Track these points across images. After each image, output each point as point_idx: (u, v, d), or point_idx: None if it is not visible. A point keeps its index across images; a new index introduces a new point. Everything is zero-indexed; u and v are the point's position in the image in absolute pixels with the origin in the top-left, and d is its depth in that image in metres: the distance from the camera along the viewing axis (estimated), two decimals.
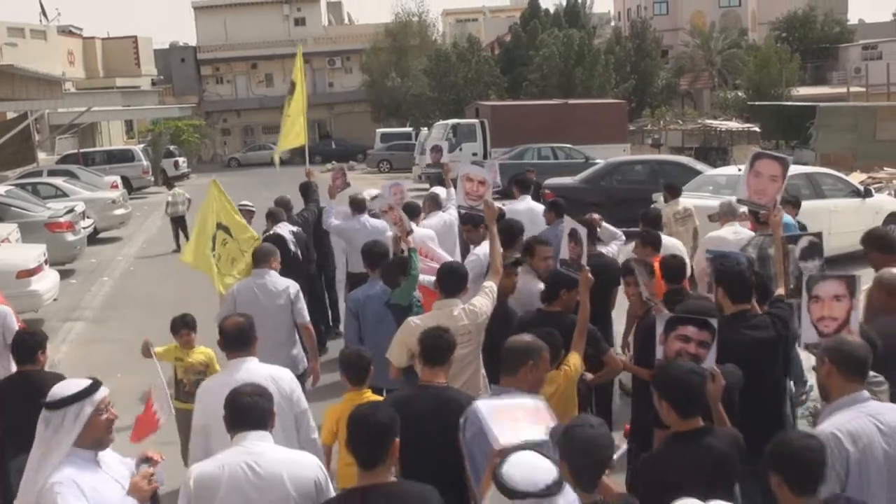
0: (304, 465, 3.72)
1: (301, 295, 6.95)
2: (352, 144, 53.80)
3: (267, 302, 6.78)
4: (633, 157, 25.44)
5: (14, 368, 6.11)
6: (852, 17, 63.63)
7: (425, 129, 38.48)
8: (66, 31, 46.58)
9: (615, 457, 3.60)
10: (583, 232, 5.77)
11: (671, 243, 8.05)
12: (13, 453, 5.42)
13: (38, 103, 28.91)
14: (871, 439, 3.77)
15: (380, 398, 5.21)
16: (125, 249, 20.82)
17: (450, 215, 9.44)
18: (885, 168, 23.97)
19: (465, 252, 8.50)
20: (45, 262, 13.22)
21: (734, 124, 37.64)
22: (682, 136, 38.02)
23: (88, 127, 39.52)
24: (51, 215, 16.73)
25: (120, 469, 3.73)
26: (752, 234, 7.98)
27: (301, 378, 6.65)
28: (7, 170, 26.52)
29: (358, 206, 9.36)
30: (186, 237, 19.70)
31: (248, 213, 9.53)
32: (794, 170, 15.07)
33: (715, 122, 38.57)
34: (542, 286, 6.13)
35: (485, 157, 29.77)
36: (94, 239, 19.99)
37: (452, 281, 5.59)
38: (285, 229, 9.20)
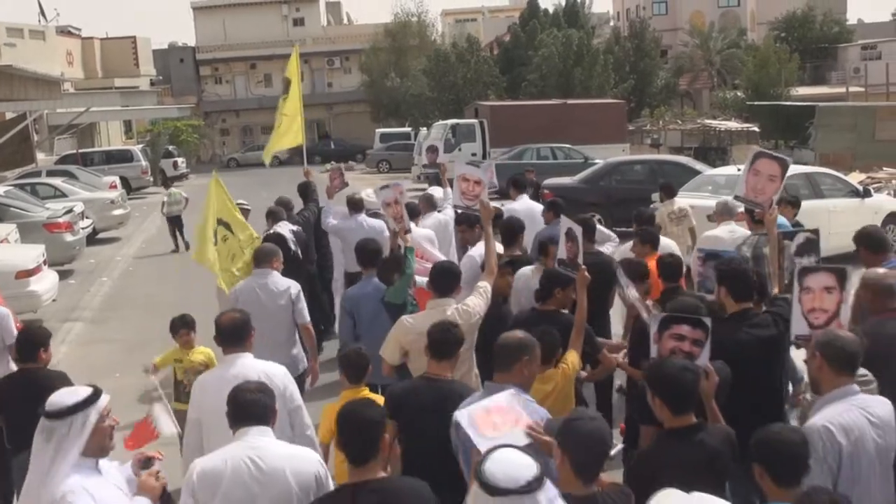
0: (305, 461, 3.75)
1: (302, 295, 6.97)
2: (351, 144, 53.80)
3: (268, 302, 6.79)
4: (632, 157, 25.42)
5: (14, 369, 6.15)
6: (851, 17, 63.74)
7: (424, 129, 38.49)
8: (64, 32, 46.53)
9: (612, 453, 3.62)
10: (579, 231, 5.78)
11: (666, 243, 8.06)
12: (14, 451, 5.45)
13: (36, 104, 28.91)
14: (862, 432, 3.81)
15: (378, 396, 5.24)
16: (124, 250, 20.82)
17: (445, 215, 9.44)
18: (884, 168, 23.99)
19: (462, 252, 8.49)
20: (44, 262, 13.22)
21: (733, 124, 37.65)
22: (682, 136, 38.04)
23: (87, 127, 39.50)
24: (50, 216, 16.73)
25: (117, 475, 3.73)
26: (748, 232, 7.98)
27: (301, 378, 6.75)
28: (6, 170, 26.52)
29: (355, 205, 9.37)
30: (183, 237, 19.78)
31: (243, 212, 9.53)
32: (793, 169, 15.07)
33: (714, 122, 38.59)
34: None
35: (484, 157, 29.76)
36: (92, 239, 19.99)
37: (445, 280, 5.62)
38: (285, 228, 9.20)
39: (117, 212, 22.22)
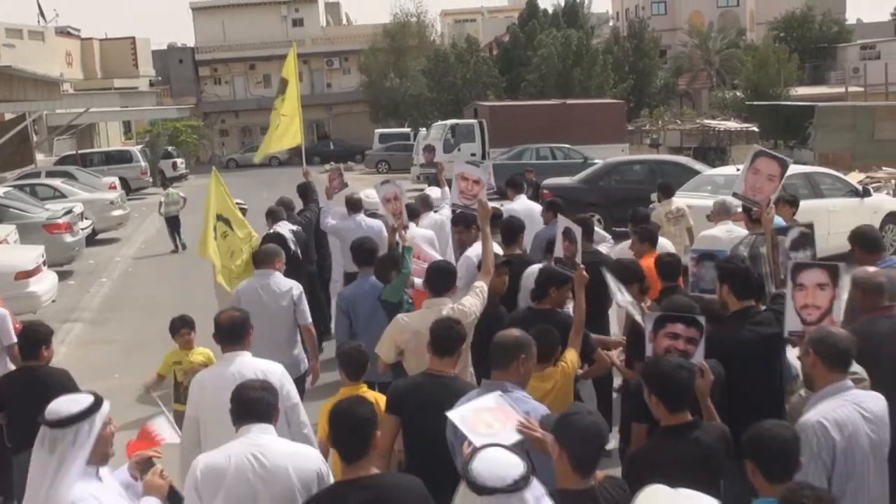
0: (307, 458, 3.79)
1: (304, 297, 7.00)
2: (350, 145, 53.83)
3: (270, 302, 6.82)
4: (631, 157, 25.44)
5: (12, 369, 6.19)
6: (850, 17, 63.68)
7: (424, 129, 38.49)
8: (63, 32, 46.49)
9: (607, 447, 3.64)
10: (577, 230, 5.79)
11: (662, 243, 8.07)
12: (15, 449, 5.49)
13: (36, 104, 28.90)
14: (856, 427, 3.84)
15: (376, 393, 5.27)
16: (123, 250, 20.81)
17: (441, 215, 9.44)
18: (883, 167, 24.00)
19: (459, 252, 8.48)
20: (44, 263, 13.22)
21: (732, 124, 37.68)
22: (681, 136, 38.08)
23: (86, 128, 39.51)
24: (49, 216, 16.73)
25: (113, 482, 3.72)
26: (745, 232, 7.98)
27: (302, 378, 6.84)
28: (5, 171, 26.52)
29: (354, 205, 9.38)
30: (180, 237, 19.81)
31: (241, 211, 9.54)
32: (792, 169, 15.00)
33: (713, 122, 38.62)
34: None
35: (483, 157, 29.77)
36: (92, 240, 19.99)
37: (441, 280, 5.65)
38: (285, 228, 9.21)
39: (117, 212, 22.21)
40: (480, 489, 2.74)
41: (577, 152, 28.03)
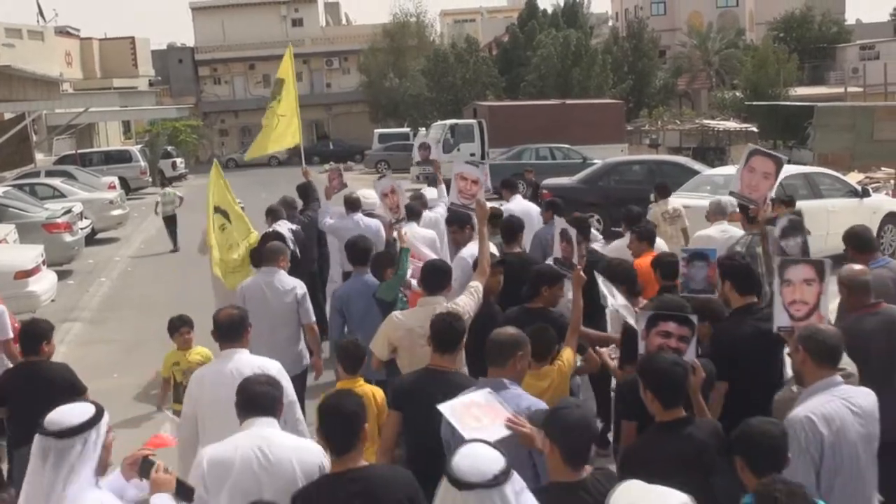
0: (310, 452, 3.84)
1: (308, 296, 7.08)
2: (350, 145, 53.82)
3: (274, 300, 6.90)
4: (630, 158, 25.45)
5: (9, 365, 6.32)
6: (850, 18, 63.73)
7: (423, 129, 38.50)
8: (63, 32, 46.50)
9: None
10: (573, 232, 5.83)
11: (657, 243, 8.08)
12: (16, 444, 5.57)
13: (35, 104, 28.88)
14: (844, 422, 3.89)
15: (373, 387, 5.32)
16: (123, 250, 20.81)
17: (436, 213, 9.46)
18: (882, 168, 24.02)
19: (455, 250, 8.49)
20: (43, 262, 13.22)
21: (732, 124, 37.68)
22: (680, 137, 38.09)
23: (86, 128, 39.49)
24: (48, 216, 16.73)
25: (109, 494, 3.70)
26: (741, 232, 7.99)
27: (303, 375, 7.00)
28: (5, 171, 26.51)
29: (352, 205, 9.39)
30: (175, 236, 19.85)
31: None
32: (791, 170, 15.20)
33: (712, 123, 38.62)
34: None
35: (483, 157, 29.78)
36: (91, 240, 19.98)
37: (436, 278, 5.70)
38: (284, 227, 9.22)
39: (116, 212, 22.21)
40: (461, 484, 2.77)
41: (576, 152, 28.04)
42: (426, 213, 9.49)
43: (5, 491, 6.05)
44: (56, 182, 22.33)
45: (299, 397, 5.64)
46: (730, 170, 15.09)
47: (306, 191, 10.74)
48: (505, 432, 3.72)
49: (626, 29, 54.68)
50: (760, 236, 5.96)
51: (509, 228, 7.56)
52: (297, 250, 9.23)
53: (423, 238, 8.42)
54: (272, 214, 9.64)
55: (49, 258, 13.92)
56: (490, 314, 5.92)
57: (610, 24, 64.04)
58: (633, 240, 7.69)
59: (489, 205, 6.95)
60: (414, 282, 6.63)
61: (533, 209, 10.23)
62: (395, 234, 7.36)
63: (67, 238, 16.60)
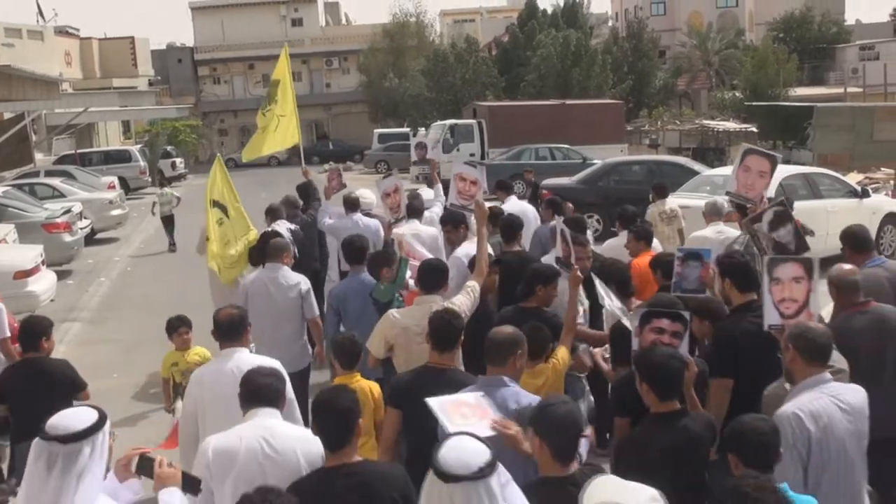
0: (313, 443, 3.86)
1: (311, 291, 7.17)
2: (349, 145, 53.83)
3: (278, 295, 6.98)
4: (630, 158, 25.47)
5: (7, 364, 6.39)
6: (849, 18, 63.73)
7: (423, 129, 38.49)
8: (63, 32, 46.52)
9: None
10: (568, 232, 5.87)
11: (653, 244, 8.09)
12: (17, 439, 5.67)
13: (35, 104, 28.87)
14: (831, 418, 3.93)
15: (370, 382, 5.37)
16: (122, 250, 20.81)
17: (432, 213, 9.48)
18: (882, 168, 24.01)
19: (451, 250, 8.50)
20: (43, 262, 13.21)
21: (731, 125, 37.64)
22: (680, 137, 38.05)
23: (85, 127, 39.49)
24: (48, 216, 16.72)
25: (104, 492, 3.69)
26: (737, 232, 8.01)
27: (306, 372, 7.14)
28: (4, 170, 26.51)
29: (351, 204, 9.40)
30: (173, 236, 19.88)
31: None
32: (791, 170, 15.23)
33: (712, 123, 38.57)
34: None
35: (482, 157, 29.77)
36: (91, 239, 19.99)
37: (432, 277, 5.75)
38: (283, 227, 9.23)
39: (115, 212, 22.21)
40: (446, 476, 2.79)
41: (576, 152, 28.03)
42: (424, 213, 9.49)
43: (5, 482, 6.09)
44: (55, 182, 22.32)
45: (302, 394, 5.67)
46: (729, 170, 15.07)
47: (307, 190, 10.74)
48: (490, 433, 3.76)
49: (625, 29, 54.67)
50: (750, 237, 5.98)
51: (509, 227, 7.59)
52: (296, 250, 9.24)
53: (427, 235, 8.43)
54: (271, 214, 9.66)
55: (48, 258, 13.92)
56: (486, 313, 5.97)
57: (610, 24, 64.01)
58: (630, 239, 7.69)
59: (488, 204, 6.97)
60: (411, 282, 6.64)
61: (528, 209, 10.25)
62: (396, 248, 7.40)
63: (67, 238, 16.60)
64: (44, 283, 12.81)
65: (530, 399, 4.17)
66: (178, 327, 7.04)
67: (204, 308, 8.51)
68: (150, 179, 34.18)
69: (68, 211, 17.29)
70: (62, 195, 20.89)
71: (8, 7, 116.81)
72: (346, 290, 6.99)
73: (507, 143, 29.88)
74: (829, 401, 3.98)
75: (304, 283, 7.10)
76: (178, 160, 41.10)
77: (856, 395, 4.11)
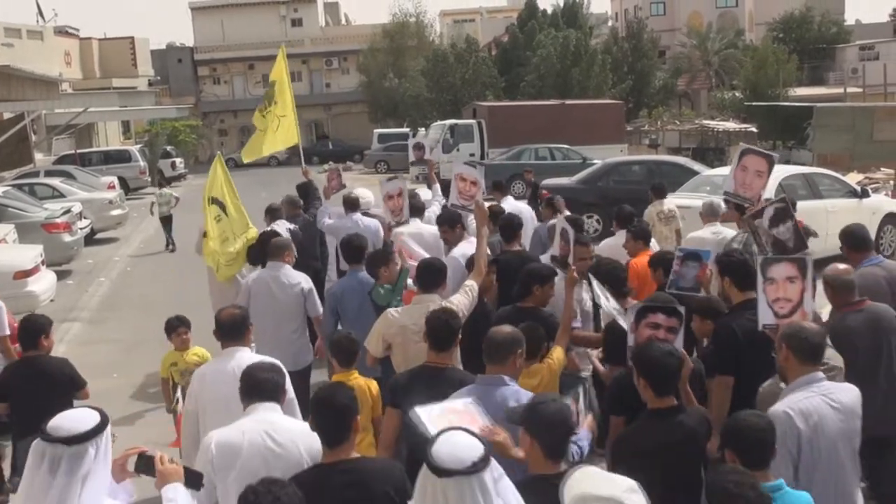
0: (314, 436, 3.88)
1: (314, 290, 7.26)
2: (349, 145, 53.81)
3: (281, 294, 7.06)
4: (630, 158, 25.47)
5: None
6: (849, 18, 63.79)
7: (422, 129, 38.46)
8: (62, 32, 46.52)
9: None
10: (571, 232, 5.87)
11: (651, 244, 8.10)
12: (19, 435, 5.78)
13: (34, 104, 28.87)
14: (822, 417, 3.96)
15: (368, 380, 5.40)
16: (122, 250, 20.82)
17: (430, 213, 9.49)
18: (882, 168, 24.01)
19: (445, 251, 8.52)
20: (42, 262, 13.21)
21: (731, 125, 37.65)
22: (680, 137, 38.05)
23: (85, 127, 39.48)
24: (48, 216, 16.72)
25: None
26: (733, 232, 8.02)
27: (306, 371, 7.18)
28: (4, 170, 26.50)
29: (351, 204, 9.41)
30: (171, 235, 19.88)
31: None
32: (791, 170, 15.23)
33: (712, 123, 38.58)
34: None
35: (482, 157, 29.77)
36: (91, 239, 19.99)
37: (431, 276, 5.77)
38: (282, 227, 9.24)
39: (115, 212, 22.21)
40: (440, 471, 2.80)
41: (575, 153, 28.04)
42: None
43: (8, 481, 6.12)
44: (55, 182, 22.31)
45: (304, 392, 5.68)
46: (729, 170, 15.08)
47: (307, 190, 10.74)
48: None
49: (625, 29, 54.69)
50: (751, 233, 6.01)
51: (509, 226, 7.59)
52: (295, 250, 9.25)
53: (429, 234, 8.44)
54: (271, 214, 9.68)
55: (48, 258, 13.92)
56: (483, 313, 5.99)
57: (609, 24, 64.01)
58: (629, 239, 7.71)
59: (488, 204, 6.98)
60: (409, 281, 6.64)
61: (524, 208, 10.26)
62: (392, 236, 7.40)
63: (67, 238, 16.59)
64: (43, 283, 12.81)
65: (530, 397, 4.17)
66: (177, 327, 7.05)
67: (203, 308, 8.51)
68: (149, 179, 34.16)
69: (68, 211, 17.29)
70: (62, 195, 20.89)
71: (7, 7, 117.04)
72: (343, 289, 7.01)
73: (507, 143, 29.88)
74: (821, 400, 4.01)
75: (305, 281, 7.18)
76: (178, 160, 41.08)
77: (848, 394, 4.14)
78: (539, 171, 21.79)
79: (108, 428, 3.25)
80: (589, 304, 6.45)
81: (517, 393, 4.25)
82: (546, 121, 31.33)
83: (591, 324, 6.53)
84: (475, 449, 2.88)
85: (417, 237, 8.15)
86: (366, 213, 9.42)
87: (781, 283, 4.78)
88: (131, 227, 23.87)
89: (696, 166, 19.51)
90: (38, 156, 31.98)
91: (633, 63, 47.86)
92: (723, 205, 8.39)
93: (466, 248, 7.29)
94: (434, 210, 9.43)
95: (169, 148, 42.33)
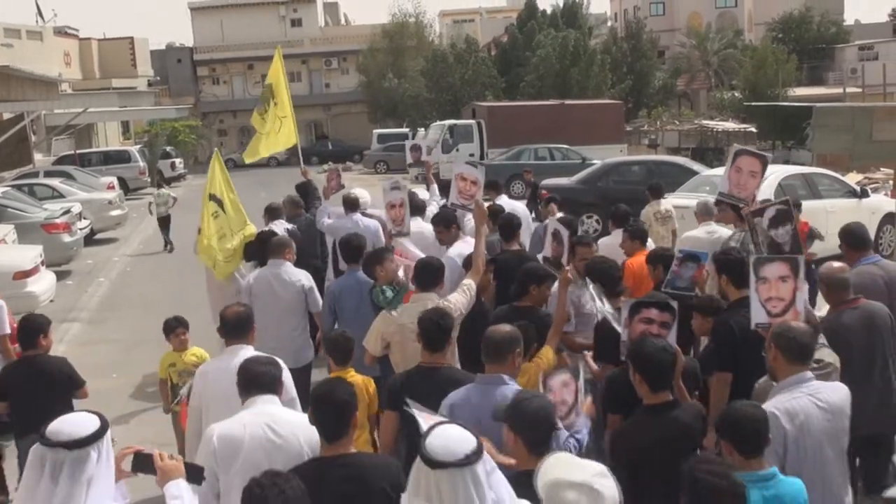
0: (313, 428, 3.91)
1: (315, 287, 7.34)
2: (349, 145, 53.78)
3: (281, 291, 7.13)
4: (629, 158, 25.49)
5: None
6: (848, 18, 63.84)
7: (421, 130, 38.47)
8: (62, 32, 46.53)
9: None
10: (564, 233, 5.88)
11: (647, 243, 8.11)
12: (20, 434, 5.83)
13: (34, 104, 28.87)
14: (808, 417, 4.00)
15: (364, 377, 5.43)
16: (121, 250, 20.83)
17: (429, 211, 9.50)
18: (881, 168, 23.99)
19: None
20: (42, 263, 13.22)
21: (731, 125, 37.66)
22: (679, 137, 38.06)
23: (85, 128, 39.48)
24: (47, 216, 16.72)
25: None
26: (728, 232, 8.04)
27: (307, 368, 7.22)
28: (3, 171, 26.50)
29: (352, 205, 9.42)
30: (168, 236, 19.89)
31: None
32: (790, 170, 15.23)
33: (711, 123, 38.61)
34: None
35: (482, 157, 29.80)
36: (90, 240, 19.99)
37: (429, 275, 5.81)
38: (280, 227, 9.25)
39: (115, 212, 22.23)
40: (433, 463, 2.86)
41: (575, 153, 28.05)
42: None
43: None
44: (55, 182, 22.32)
45: (305, 388, 5.69)
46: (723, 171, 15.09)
47: (306, 190, 10.76)
48: None
49: (624, 29, 54.70)
50: (749, 230, 6.05)
51: (508, 226, 7.62)
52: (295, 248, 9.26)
53: (431, 233, 8.44)
54: (270, 213, 9.69)
55: (48, 258, 13.92)
56: (481, 312, 6.02)
57: (609, 24, 64.04)
58: (625, 239, 7.72)
59: (487, 203, 6.99)
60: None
61: (520, 207, 10.27)
62: (392, 243, 7.44)
63: (66, 238, 16.60)
64: (43, 284, 12.81)
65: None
66: (174, 328, 7.07)
67: (203, 307, 8.52)
68: (149, 180, 34.17)
69: (67, 211, 17.29)
70: (61, 195, 20.89)
71: (7, 7, 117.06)
72: (342, 288, 7.07)
73: (507, 143, 29.89)
74: (808, 400, 4.05)
75: (306, 278, 7.26)
76: (178, 160, 41.07)
77: (836, 392, 4.18)
78: (538, 171, 21.80)
79: (109, 432, 3.22)
80: (590, 307, 6.44)
81: (516, 392, 4.24)
82: (545, 121, 31.34)
83: (589, 328, 6.51)
84: (468, 442, 2.93)
85: (419, 236, 8.16)
86: (365, 214, 9.44)
87: (774, 283, 4.81)
88: (131, 228, 23.87)
89: (696, 166, 19.52)
90: (38, 156, 31.98)
91: (633, 63, 47.87)
92: (714, 207, 8.42)
93: (462, 247, 7.33)
94: (433, 210, 9.45)
95: (168, 148, 42.33)
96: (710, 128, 37.63)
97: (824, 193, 14.24)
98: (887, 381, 5.32)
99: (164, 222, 20.21)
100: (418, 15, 58.10)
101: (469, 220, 8.65)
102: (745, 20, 59.94)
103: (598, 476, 3.05)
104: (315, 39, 63.32)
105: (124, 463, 3.41)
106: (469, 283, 5.79)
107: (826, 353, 4.77)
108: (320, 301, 7.33)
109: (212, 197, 7.97)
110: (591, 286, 5.64)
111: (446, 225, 7.97)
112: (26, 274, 12.35)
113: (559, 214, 8.77)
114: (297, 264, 7.52)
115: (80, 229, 17.99)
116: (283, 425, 3.94)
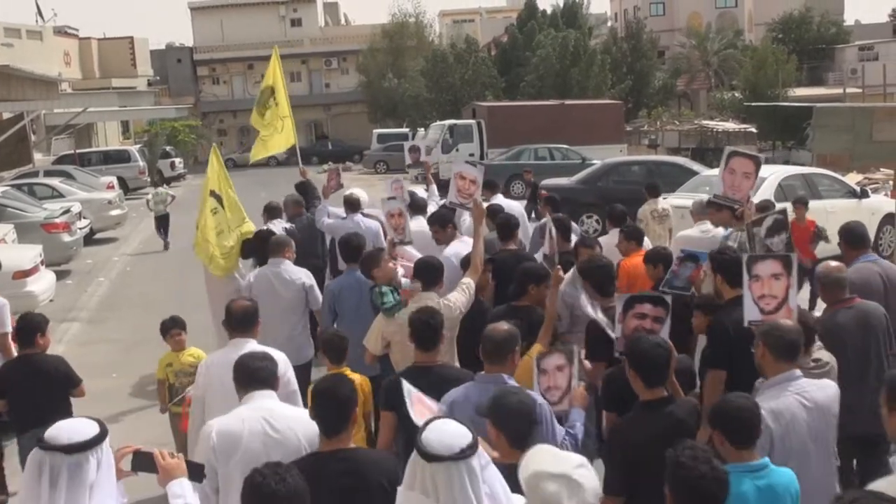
0: (311, 423, 3.95)
1: (315, 285, 7.37)
2: (348, 145, 53.78)
3: (282, 289, 7.16)
4: (629, 158, 25.50)
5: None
6: (848, 18, 63.87)
7: (421, 130, 38.47)
8: (62, 32, 46.53)
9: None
10: (554, 232, 5.93)
11: (644, 243, 8.11)
12: (19, 430, 5.90)
13: (34, 104, 28.87)
14: (794, 416, 4.04)
15: (358, 375, 5.45)
16: (121, 250, 20.84)
17: (428, 210, 9.50)
18: (881, 169, 23.99)
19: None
20: (42, 262, 13.22)
21: (731, 125, 37.68)
22: (679, 137, 38.06)
23: (84, 128, 39.48)
24: (47, 216, 16.73)
25: None
26: (722, 230, 8.02)
27: (308, 366, 7.26)
28: (3, 170, 26.50)
29: (352, 205, 9.42)
30: (166, 235, 19.89)
31: None
32: (790, 170, 15.23)
33: (711, 123, 38.61)
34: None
35: (482, 157, 29.81)
36: (90, 239, 20.02)
37: (429, 274, 5.84)
38: (279, 227, 9.26)
39: (115, 212, 22.25)
40: (429, 456, 2.91)
41: (575, 153, 28.06)
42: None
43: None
44: (55, 182, 22.33)
45: (305, 386, 5.71)
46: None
47: (305, 189, 10.77)
48: None
49: (624, 29, 54.70)
50: (747, 237, 6.09)
51: (506, 225, 7.62)
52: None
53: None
54: (269, 212, 9.70)
55: (47, 258, 13.92)
56: (480, 311, 6.04)
57: (609, 24, 64.03)
58: (621, 239, 7.74)
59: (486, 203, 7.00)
60: (407, 281, 6.65)
61: (516, 207, 10.28)
62: (394, 249, 7.47)
63: (66, 238, 16.61)
64: (43, 283, 12.82)
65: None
66: (170, 329, 7.09)
67: (203, 308, 8.51)
68: (149, 179, 34.18)
69: (67, 211, 17.30)
70: (61, 195, 20.90)
71: (7, 7, 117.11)
72: (342, 287, 7.08)
73: (507, 143, 29.91)
74: (794, 399, 4.09)
75: (306, 276, 7.29)
76: (178, 160, 41.11)
77: (823, 391, 4.21)
78: (538, 171, 21.82)
79: (108, 438, 3.16)
80: (583, 310, 6.41)
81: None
82: (545, 121, 31.36)
83: (582, 329, 6.47)
84: (463, 436, 2.98)
85: (420, 235, 8.17)
86: (365, 214, 9.45)
87: (766, 280, 4.84)
88: (130, 227, 23.88)
89: (696, 166, 19.53)
90: (38, 156, 31.98)
91: (633, 63, 47.88)
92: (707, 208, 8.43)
93: (459, 247, 7.39)
94: (432, 209, 9.46)
95: (168, 148, 42.36)
96: (710, 128, 37.63)
97: (824, 194, 14.25)
98: (882, 380, 5.31)
99: (163, 221, 20.22)
100: (418, 15, 58.21)
101: (466, 220, 8.67)
102: (745, 20, 59.95)
103: (578, 467, 3.10)
104: (315, 39, 63.34)
105: (123, 462, 3.36)
106: (468, 282, 5.84)
107: (825, 354, 4.77)
108: (320, 298, 7.37)
109: (212, 193, 7.98)
110: (583, 296, 5.62)
111: (442, 225, 7.99)
112: (26, 273, 12.36)
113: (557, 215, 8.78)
114: (298, 263, 7.53)
115: (80, 229, 18.01)
116: (280, 420, 3.98)
